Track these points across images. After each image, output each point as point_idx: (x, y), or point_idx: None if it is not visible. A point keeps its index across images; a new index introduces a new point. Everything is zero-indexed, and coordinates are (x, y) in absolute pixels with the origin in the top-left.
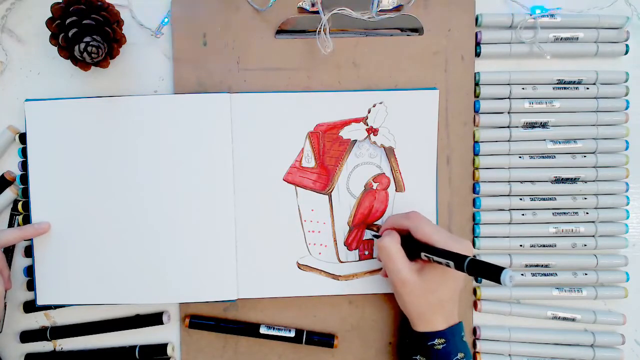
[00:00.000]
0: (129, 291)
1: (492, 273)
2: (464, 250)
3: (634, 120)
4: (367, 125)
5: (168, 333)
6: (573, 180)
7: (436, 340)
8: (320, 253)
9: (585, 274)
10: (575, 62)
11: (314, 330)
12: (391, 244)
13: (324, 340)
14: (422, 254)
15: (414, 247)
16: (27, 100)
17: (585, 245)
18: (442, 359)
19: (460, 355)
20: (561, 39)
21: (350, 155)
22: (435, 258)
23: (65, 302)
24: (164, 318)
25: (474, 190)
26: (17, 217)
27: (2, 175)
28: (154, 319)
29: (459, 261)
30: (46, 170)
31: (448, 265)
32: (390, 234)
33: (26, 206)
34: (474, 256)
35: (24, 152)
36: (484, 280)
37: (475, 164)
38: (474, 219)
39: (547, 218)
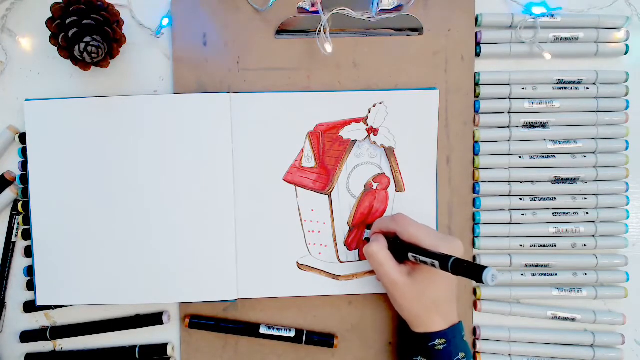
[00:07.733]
0: (129, 291)
1: (475, 272)
2: (452, 249)
3: (634, 120)
4: (367, 125)
5: (168, 333)
6: (573, 180)
7: (437, 341)
8: (320, 253)
9: (585, 274)
10: (575, 62)
11: (314, 330)
12: (378, 249)
13: (324, 340)
14: (410, 255)
15: (401, 249)
16: (27, 100)
17: (585, 245)
18: (443, 359)
19: (461, 355)
20: (561, 39)
21: (350, 155)
22: (421, 258)
23: (65, 302)
24: (164, 318)
25: (474, 190)
26: (17, 217)
27: (2, 175)
28: (154, 319)
29: (443, 261)
30: (46, 170)
31: (434, 266)
32: (377, 239)
33: (26, 206)
34: (474, 256)
35: (24, 152)
36: None
37: (475, 164)
38: (474, 219)
39: (547, 218)
